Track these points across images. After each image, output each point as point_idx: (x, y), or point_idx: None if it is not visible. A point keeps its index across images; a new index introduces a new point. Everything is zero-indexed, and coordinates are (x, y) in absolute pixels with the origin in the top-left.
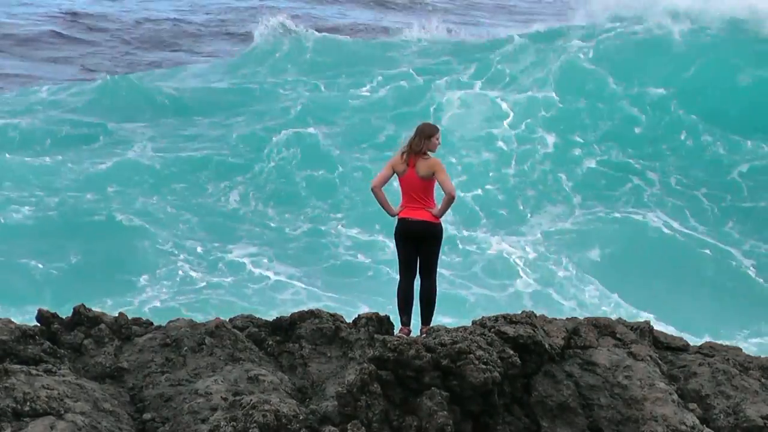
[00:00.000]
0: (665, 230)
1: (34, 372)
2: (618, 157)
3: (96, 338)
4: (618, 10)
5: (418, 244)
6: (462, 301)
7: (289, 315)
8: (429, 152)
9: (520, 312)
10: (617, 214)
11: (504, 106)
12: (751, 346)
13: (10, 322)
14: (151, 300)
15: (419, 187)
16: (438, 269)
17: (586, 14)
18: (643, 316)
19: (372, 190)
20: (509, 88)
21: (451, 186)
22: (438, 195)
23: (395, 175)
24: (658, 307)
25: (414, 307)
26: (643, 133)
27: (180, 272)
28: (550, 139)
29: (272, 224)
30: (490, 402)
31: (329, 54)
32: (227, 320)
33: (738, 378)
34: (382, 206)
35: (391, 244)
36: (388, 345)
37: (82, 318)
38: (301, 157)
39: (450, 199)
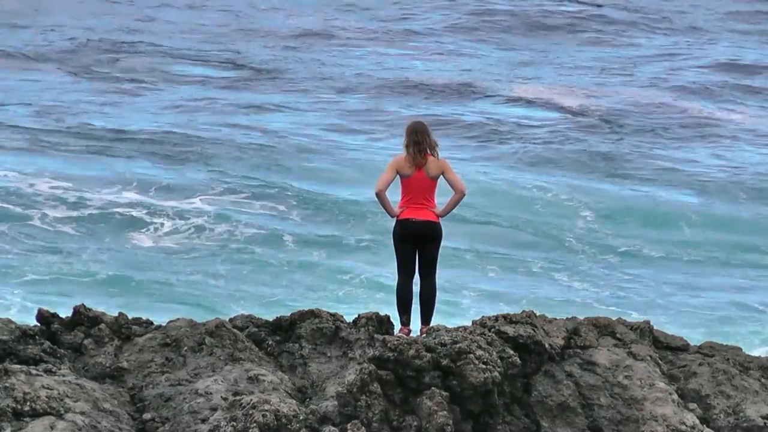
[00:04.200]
0: None
1: (34, 372)
2: None
3: (96, 338)
4: None
5: (420, 244)
6: None
7: (289, 315)
8: (434, 150)
9: (520, 312)
10: None
11: None
12: None
13: (10, 322)
14: None
15: (426, 188)
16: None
17: None
18: None
19: (377, 195)
20: None
21: (463, 184)
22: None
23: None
24: None
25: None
26: None
27: None
28: None
29: None
30: (490, 402)
31: None
32: (227, 320)
33: (738, 378)
34: (385, 208)
35: None
36: (388, 345)
37: (82, 318)
38: None
39: (461, 197)
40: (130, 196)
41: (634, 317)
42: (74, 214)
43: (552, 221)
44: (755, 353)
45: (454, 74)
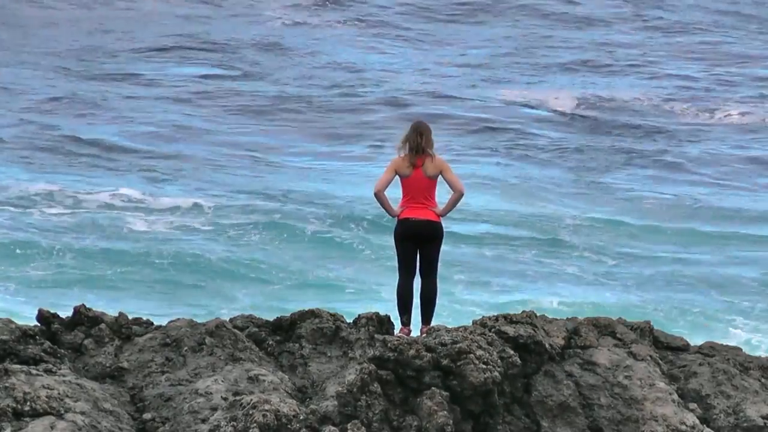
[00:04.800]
0: None
1: (34, 372)
2: None
3: (96, 338)
4: None
5: (421, 244)
6: None
7: (289, 315)
8: (431, 150)
9: (520, 312)
10: None
11: None
12: None
13: (11, 321)
14: None
15: (425, 187)
16: (438, 268)
17: None
18: None
19: (375, 195)
20: None
21: (461, 184)
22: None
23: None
24: None
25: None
26: None
27: None
28: None
29: None
30: (490, 402)
31: None
32: (227, 320)
33: (738, 378)
34: (384, 208)
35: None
36: (389, 345)
37: (82, 318)
38: None
39: (459, 197)
40: (124, 197)
41: (616, 297)
42: (70, 217)
43: (544, 214)
44: (732, 341)
45: (434, 73)
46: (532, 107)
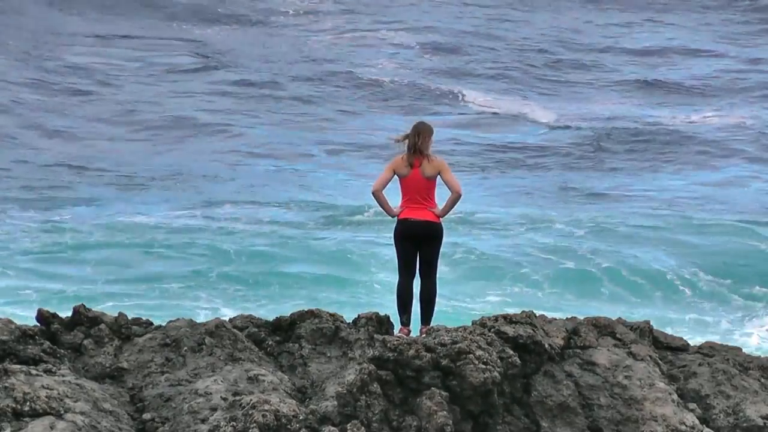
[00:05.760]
0: None
1: (34, 372)
2: None
3: (96, 338)
4: None
5: (420, 244)
6: None
7: (288, 315)
8: (430, 151)
9: (519, 312)
10: None
11: None
12: None
13: (10, 322)
14: None
15: (423, 188)
16: (438, 269)
17: None
18: None
19: (373, 194)
20: None
21: (458, 185)
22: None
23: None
24: None
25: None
26: None
27: None
28: None
29: None
30: (489, 402)
31: None
32: (227, 320)
33: (738, 378)
34: (383, 208)
35: None
36: (388, 345)
37: (82, 318)
38: None
39: (457, 198)
40: (119, 204)
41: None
42: (70, 225)
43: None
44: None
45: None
46: (511, 115)
